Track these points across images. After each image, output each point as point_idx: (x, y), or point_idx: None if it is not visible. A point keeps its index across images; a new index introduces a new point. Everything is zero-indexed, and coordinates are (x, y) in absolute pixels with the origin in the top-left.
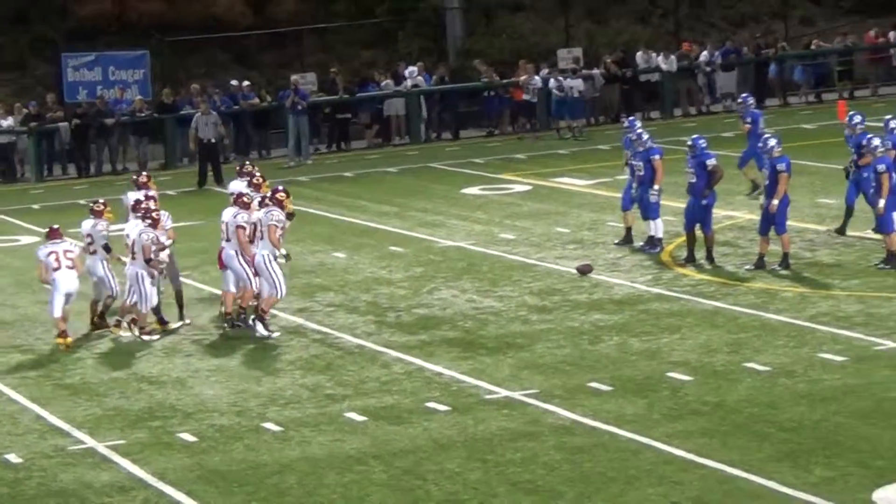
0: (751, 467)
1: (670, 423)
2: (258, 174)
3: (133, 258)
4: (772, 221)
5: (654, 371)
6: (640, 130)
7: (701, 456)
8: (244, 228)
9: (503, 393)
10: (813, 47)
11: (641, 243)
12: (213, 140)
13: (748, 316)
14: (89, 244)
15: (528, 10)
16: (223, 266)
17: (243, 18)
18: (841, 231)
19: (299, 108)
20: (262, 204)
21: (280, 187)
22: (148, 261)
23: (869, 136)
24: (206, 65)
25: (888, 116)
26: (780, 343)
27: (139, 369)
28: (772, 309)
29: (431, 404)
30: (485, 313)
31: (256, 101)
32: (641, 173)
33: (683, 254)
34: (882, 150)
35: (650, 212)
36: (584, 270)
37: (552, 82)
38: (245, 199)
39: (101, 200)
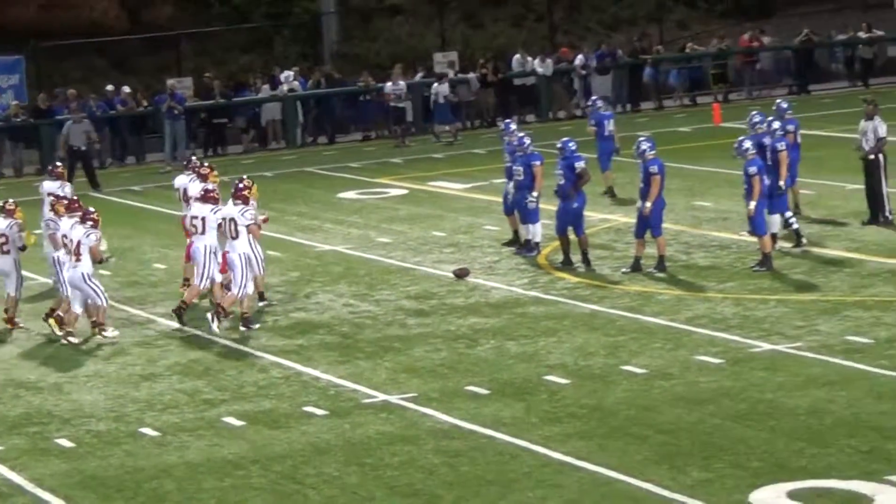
0: (628, 470)
1: (548, 426)
2: (206, 165)
3: (78, 259)
4: (647, 224)
5: (532, 374)
6: (521, 135)
7: (579, 459)
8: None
9: (381, 397)
10: (688, 51)
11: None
12: (82, 147)
13: (625, 319)
14: (3, 244)
15: (405, 14)
16: (190, 260)
17: (120, 23)
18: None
19: (176, 112)
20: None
21: (243, 184)
22: (100, 262)
23: (740, 138)
24: (83, 70)
25: (770, 118)
26: (657, 345)
27: (16, 375)
28: (648, 312)
29: (309, 408)
30: (362, 317)
31: (133, 105)
32: (521, 178)
33: (560, 257)
34: (753, 152)
35: (528, 216)
36: (460, 274)
37: (436, 87)
38: (214, 194)
39: (11, 200)
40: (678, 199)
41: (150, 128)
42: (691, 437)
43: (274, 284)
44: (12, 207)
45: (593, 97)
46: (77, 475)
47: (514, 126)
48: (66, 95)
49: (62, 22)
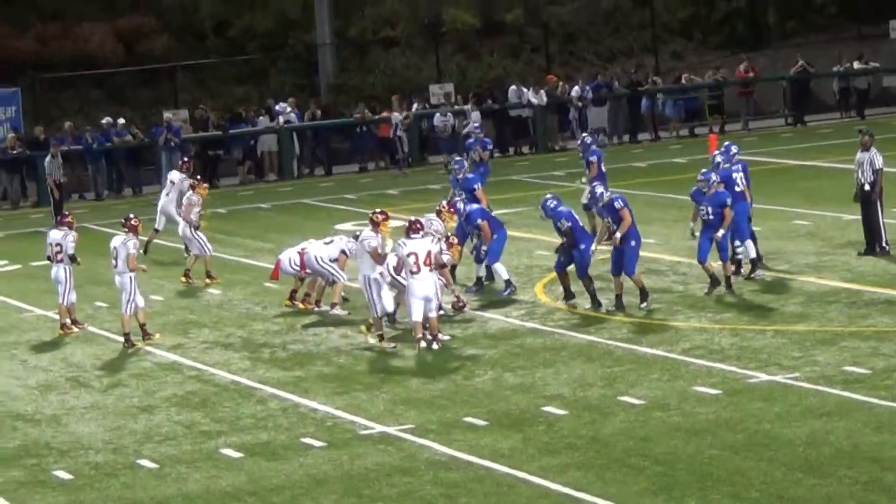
0: (626, 500)
1: (546, 457)
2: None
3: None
4: (620, 262)
5: (530, 405)
6: (470, 176)
7: (577, 490)
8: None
9: (378, 428)
10: (683, 82)
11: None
12: (62, 181)
13: (622, 350)
14: (57, 252)
15: (401, 46)
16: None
17: (115, 56)
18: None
19: (172, 144)
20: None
21: (444, 202)
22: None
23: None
24: (80, 101)
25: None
26: (654, 376)
27: (13, 407)
28: (645, 343)
29: (307, 440)
30: (359, 349)
31: (129, 138)
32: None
33: (557, 289)
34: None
35: (487, 257)
36: (458, 307)
37: (437, 118)
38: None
39: (67, 213)
40: (675, 230)
41: (147, 159)
42: (689, 468)
43: (271, 316)
44: (70, 220)
45: (471, 126)
46: None
47: (467, 163)
48: (65, 129)
49: (59, 54)
